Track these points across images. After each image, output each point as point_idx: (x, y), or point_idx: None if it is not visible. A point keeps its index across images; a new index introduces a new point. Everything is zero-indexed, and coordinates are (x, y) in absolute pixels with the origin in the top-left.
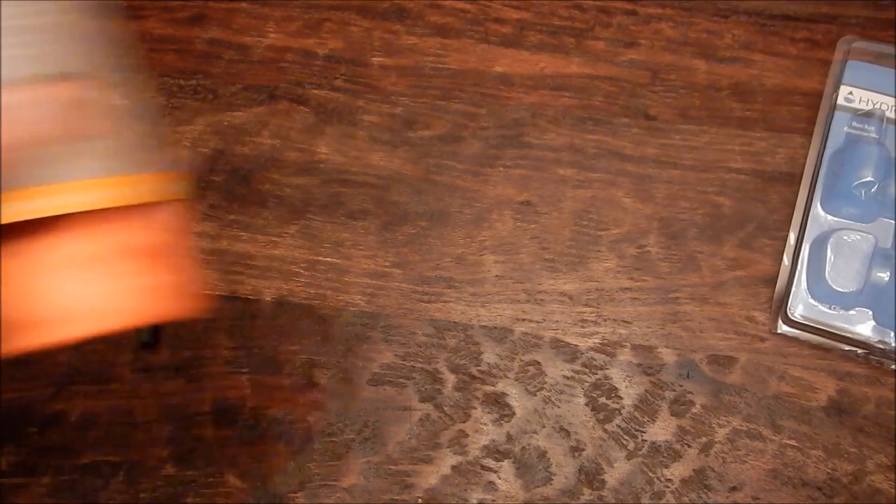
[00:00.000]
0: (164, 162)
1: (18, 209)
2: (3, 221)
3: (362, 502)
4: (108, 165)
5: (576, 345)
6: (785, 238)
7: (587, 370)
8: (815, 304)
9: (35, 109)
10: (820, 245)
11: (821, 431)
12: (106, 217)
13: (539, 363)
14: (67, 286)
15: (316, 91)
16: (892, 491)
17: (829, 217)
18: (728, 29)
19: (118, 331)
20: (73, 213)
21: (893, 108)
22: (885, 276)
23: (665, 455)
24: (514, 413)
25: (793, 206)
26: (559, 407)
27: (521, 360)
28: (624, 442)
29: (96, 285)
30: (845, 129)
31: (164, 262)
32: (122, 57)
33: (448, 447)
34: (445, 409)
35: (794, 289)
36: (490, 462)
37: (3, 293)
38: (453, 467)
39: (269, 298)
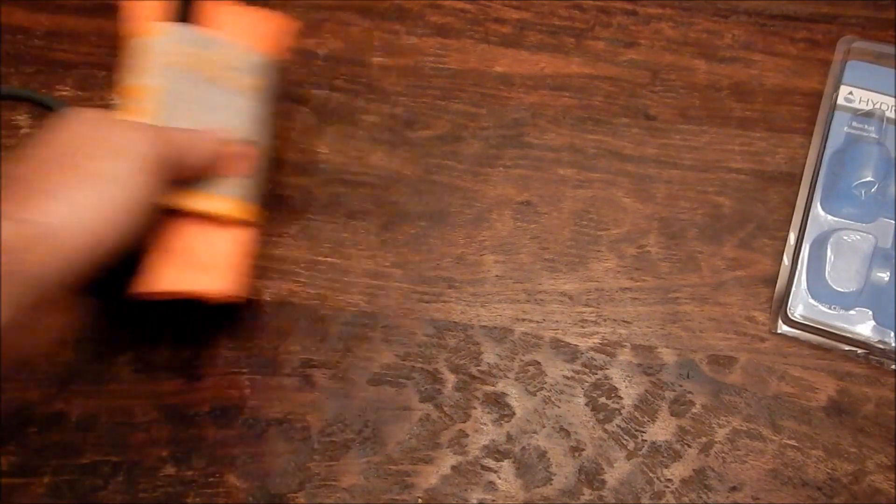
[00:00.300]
0: (260, 199)
1: (200, 203)
2: (195, 209)
3: (362, 502)
4: (242, 193)
5: (576, 345)
6: (785, 238)
7: (587, 370)
8: (815, 304)
9: (222, 154)
10: (820, 245)
11: (821, 431)
12: (224, 222)
13: (539, 363)
14: (202, 252)
15: (316, 91)
16: (892, 491)
17: (829, 217)
18: (728, 29)
19: (213, 294)
20: (217, 215)
21: (893, 108)
22: (885, 276)
23: (665, 455)
24: (514, 413)
25: (793, 206)
26: (559, 407)
27: (521, 360)
28: (624, 442)
29: (216, 259)
30: (845, 129)
31: (244, 256)
32: (271, 132)
33: (448, 447)
34: (445, 409)
35: (794, 289)
36: (490, 462)
37: (170, 244)
38: (453, 467)
39: (269, 298)
